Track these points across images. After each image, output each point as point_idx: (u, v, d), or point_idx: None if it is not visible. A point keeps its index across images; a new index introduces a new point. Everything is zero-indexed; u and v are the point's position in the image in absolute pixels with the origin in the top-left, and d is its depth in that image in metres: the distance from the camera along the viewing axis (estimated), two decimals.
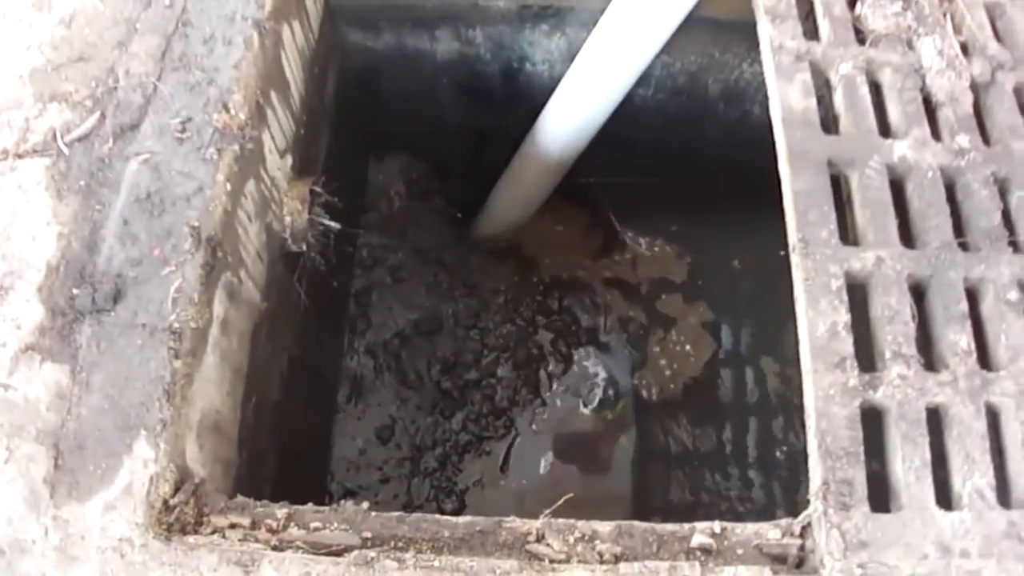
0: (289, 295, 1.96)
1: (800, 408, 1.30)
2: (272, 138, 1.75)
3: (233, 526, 1.27)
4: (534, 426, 2.64)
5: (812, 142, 1.47)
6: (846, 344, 1.29)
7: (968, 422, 1.25)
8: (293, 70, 1.88)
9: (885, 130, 1.52)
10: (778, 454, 2.61)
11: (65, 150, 1.55)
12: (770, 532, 1.24)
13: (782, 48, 1.57)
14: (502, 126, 2.48)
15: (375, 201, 2.82)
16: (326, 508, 1.31)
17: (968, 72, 1.56)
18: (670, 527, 1.26)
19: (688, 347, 2.78)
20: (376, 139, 2.75)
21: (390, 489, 2.54)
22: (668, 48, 1.94)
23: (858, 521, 1.18)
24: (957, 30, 1.61)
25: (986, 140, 1.51)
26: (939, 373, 1.29)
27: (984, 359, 1.32)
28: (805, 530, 1.22)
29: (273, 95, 1.75)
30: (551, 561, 1.21)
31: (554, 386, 2.70)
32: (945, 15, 1.63)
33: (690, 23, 1.87)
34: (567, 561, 1.21)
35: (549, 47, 2.25)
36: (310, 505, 1.32)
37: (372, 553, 1.21)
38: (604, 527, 1.26)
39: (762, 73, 1.59)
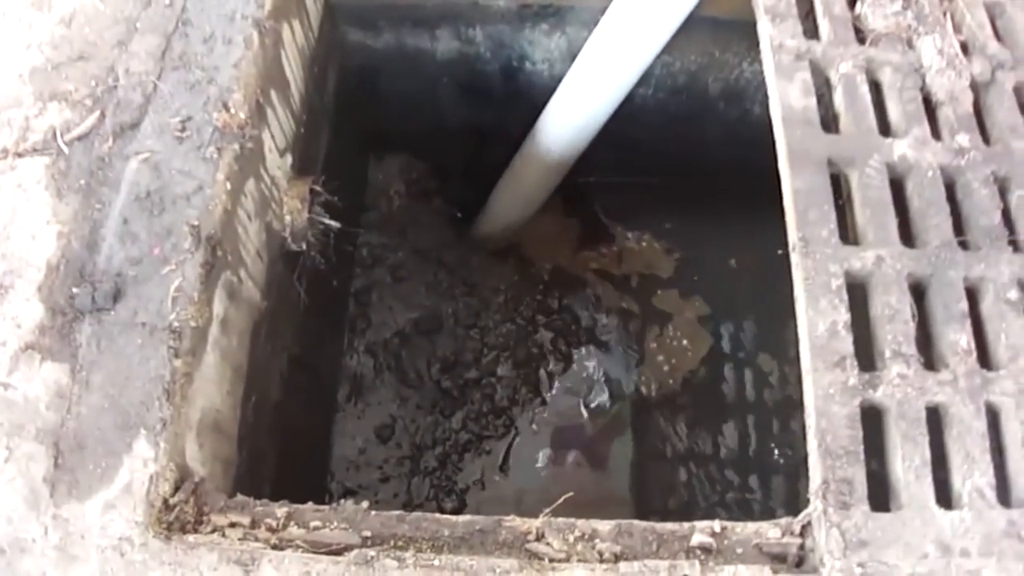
0: (289, 294, 1.96)
1: (800, 405, 1.30)
2: (272, 137, 1.75)
3: (233, 525, 1.27)
4: (534, 425, 2.64)
5: (812, 141, 1.47)
6: (846, 343, 1.29)
7: (968, 421, 1.25)
8: (293, 69, 1.88)
9: (885, 129, 1.52)
10: (777, 452, 2.61)
11: (65, 149, 1.55)
12: (770, 531, 1.24)
13: (782, 47, 1.57)
14: (502, 125, 2.47)
15: (375, 200, 2.82)
16: (326, 507, 1.31)
17: (968, 71, 1.56)
18: (670, 526, 1.26)
19: (685, 342, 2.79)
20: (376, 138, 2.75)
21: (390, 488, 2.54)
22: (668, 47, 1.94)
23: (858, 520, 1.18)
24: (957, 29, 1.61)
25: (986, 139, 1.51)
26: (939, 372, 1.29)
27: (984, 358, 1.32)
28: (805, 529, 1.22)
29: (273, 94, 1.75)
30: (551, 560, 1.21)
31: (554, 385, 2.70)
32: (945, 14, 1.63)
33: (690, 22, 1.87)
34: (567, 560, 1.21)
35: (549, 46, 2.25)
36: (310, 504, 1.32)
37: (372, 552, 1.21)
38: (604, 526, 1.26)
39: (762, 72, 1.59)
